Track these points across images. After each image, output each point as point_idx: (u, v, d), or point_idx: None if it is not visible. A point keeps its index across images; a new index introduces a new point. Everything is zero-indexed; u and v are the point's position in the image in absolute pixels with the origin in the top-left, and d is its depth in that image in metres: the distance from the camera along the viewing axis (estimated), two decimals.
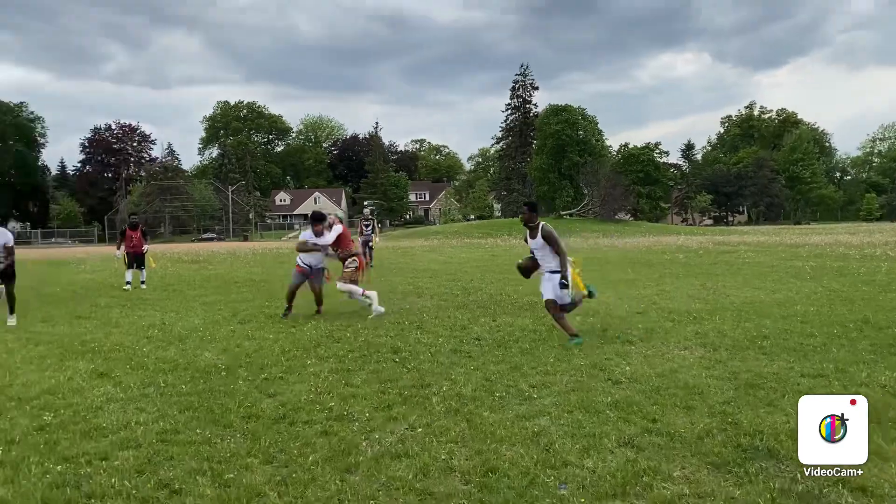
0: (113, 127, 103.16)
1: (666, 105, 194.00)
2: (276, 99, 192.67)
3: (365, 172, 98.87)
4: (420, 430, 4.69)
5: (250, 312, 10.80)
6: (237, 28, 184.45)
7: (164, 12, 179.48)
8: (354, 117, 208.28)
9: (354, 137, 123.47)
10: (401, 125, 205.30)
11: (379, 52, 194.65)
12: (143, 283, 15.63)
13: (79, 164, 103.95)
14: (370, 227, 22.28)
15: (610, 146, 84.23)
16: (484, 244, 39.09)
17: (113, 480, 3.85)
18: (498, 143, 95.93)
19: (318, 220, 10.29)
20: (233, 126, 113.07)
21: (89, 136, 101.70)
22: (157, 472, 3.98)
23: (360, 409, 5.21)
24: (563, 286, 7.59)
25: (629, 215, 70.19)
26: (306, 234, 10.37)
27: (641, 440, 4.41)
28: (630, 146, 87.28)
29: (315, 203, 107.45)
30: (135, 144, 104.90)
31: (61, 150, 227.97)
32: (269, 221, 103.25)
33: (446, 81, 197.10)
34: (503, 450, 4.27)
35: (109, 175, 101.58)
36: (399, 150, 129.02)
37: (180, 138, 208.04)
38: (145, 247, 15.98)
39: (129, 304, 12.32)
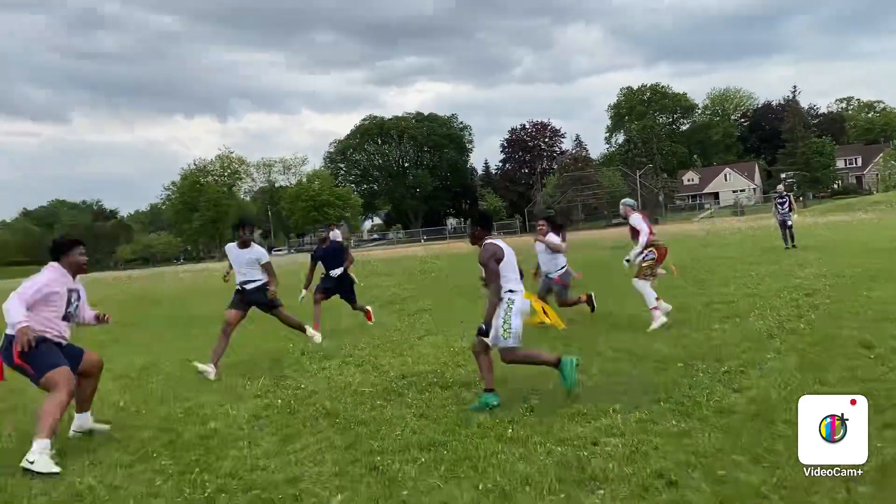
0: (526, 126, 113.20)
1: None
2: (677, 76, 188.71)
3: (781, 142, 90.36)
4: None
5: (683, 300, 10.61)
6: (634, 11, 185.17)
7: (566, 10, 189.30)
8: (764, 84, 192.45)
9: (767, 105, 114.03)
10: (821, 85, 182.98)
11: (790, 8, 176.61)
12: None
13: (500, 164, 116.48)
14: (786, 205, 19.76)
15: None
16: None
17: (610, 465, 4.17)
18: None
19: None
20: (637, 110, 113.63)
21: (507, 136, 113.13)
22: (648, 462, 4.20)
23: None
24: (481, 332, 5.75)
25: None
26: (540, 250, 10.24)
27: None
28: None
29: (725, 180, 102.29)
30: (546, 140, 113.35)
31: (485, 152, 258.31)
32: (678, 203, 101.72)
33: (874, 27, 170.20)
34: None
35: (526, 171, 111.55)
36: (820, 112, 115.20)
37: (586, 129, 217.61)
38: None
39: None
